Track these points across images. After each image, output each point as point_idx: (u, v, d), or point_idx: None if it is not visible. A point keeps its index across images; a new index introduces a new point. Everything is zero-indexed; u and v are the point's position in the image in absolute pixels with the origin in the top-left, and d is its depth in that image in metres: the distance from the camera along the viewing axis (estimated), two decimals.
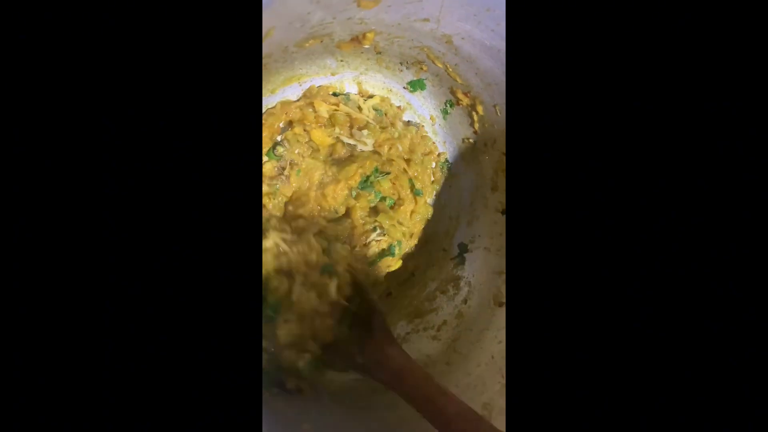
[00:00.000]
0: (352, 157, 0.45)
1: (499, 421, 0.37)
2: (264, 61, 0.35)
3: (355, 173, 0.45)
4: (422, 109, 0.50)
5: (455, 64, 0.42)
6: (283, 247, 0.39)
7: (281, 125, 0.43)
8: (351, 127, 0.45)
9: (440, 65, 0.43)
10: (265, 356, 0.39)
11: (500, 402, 0.39)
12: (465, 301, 0.50)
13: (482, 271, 0.50)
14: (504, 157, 0.47)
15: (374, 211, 0.49)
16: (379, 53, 0.43)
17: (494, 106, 0.44)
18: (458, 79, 0.44)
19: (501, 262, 0.49)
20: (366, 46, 0.40)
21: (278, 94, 0.44)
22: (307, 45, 0.37)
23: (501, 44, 0.36)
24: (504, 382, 0.41)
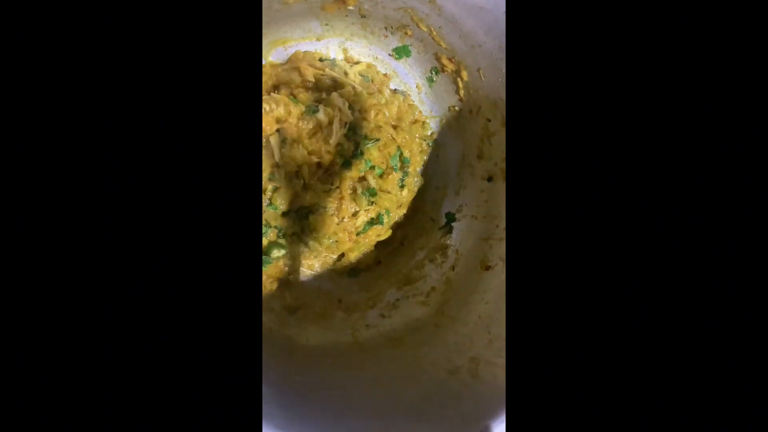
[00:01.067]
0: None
1: (486, 371, 0.38)
2: None
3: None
4: (408, 77, 0.51)
5: (439, 27, 0.43)
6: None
7: (268, 89, 0.43)
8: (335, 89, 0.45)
9: (424, 28, 0.44)
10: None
11: (486, 354, 0.40)
12: (452, 268, 0.51)
13: (469, 238, 0.51)
14: (489, 124, 0.48)
15: (362, 180, 0.50)
16: (364, 17, 0.44)
17: (478, 69, 0.45)
18: (442, 44, 0.45)
19: (487, 228, 0.50)
20: (350, 7, 0.41)
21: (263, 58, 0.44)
22: (291, 1, 0.37)
23: (483, 1, 0.37)
24: (490, 337, 0.42)
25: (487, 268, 0.48)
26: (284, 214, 0.45)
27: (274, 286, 0.46)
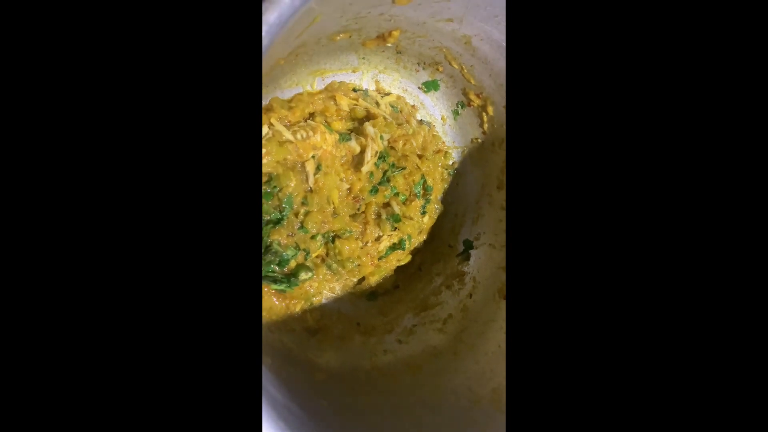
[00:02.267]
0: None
1: None
2: (297, 51, 0.37)
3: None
4: (434, 109, 0.53)
5: (471, 66, 0.45)
6: (287, 135, 0.38)
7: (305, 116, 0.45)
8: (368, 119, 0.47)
9: (456, 66, 0.46)
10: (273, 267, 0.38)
11: None
12: (470, 296, 0.52)
13: (486, 266, 0.52)
14: None
15: (386, 206, 0.51)
16: (399, 53, 0.46)
17: (504, 106, 0.47)
18: (472, 81, 0.47)
19: (505, 258, 0.51)
20: (389, 45, 0.43)
21: (299, 87, 0.45)
22: (337, 38, 0.39)
23: None
24: None
25: (506, 297, 0.49)
26: (313, 238, 0.46)
27: (297, 307, 0.47)
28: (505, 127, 0.48)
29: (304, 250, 0.45)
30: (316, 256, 0.47)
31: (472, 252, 0.54)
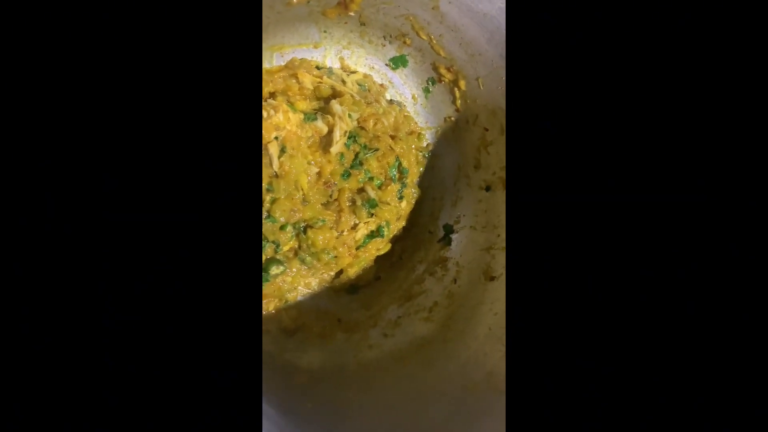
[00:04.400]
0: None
1: (503, 386, 0.36)
2: None
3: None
4: (404, 88, 0.50)
5: (440, 35, 0.43)
6: None
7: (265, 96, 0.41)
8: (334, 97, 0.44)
9: (424, 37, 0.44)
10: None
11: (503, 367, 0.38)
12: (454, 281, 0.50)
13: (469, 249, 0.50)
14: (486, 133, 0.48)
15: (361, 191, 0.48)
16: (363, 24, 0.43)
17: (477, 79, 0.45)
18: (441, 53, 0.45)
19: (488, 238, 0.49)
20: (351, 14, 0.40)
21: None
22: (294, 1, 0.35)
23: (487, 6, 0.37)
24: (504, 350, 0.40)
25: (492, 278, 0.47)
26: (282, 228, 0.42)
27: (271, 306, 0.43)
28: (478, 102, 0.46)
29: (274, 242, 0.41)
30: (288, 249, 0.43)
31: (453, 236, 0.52)
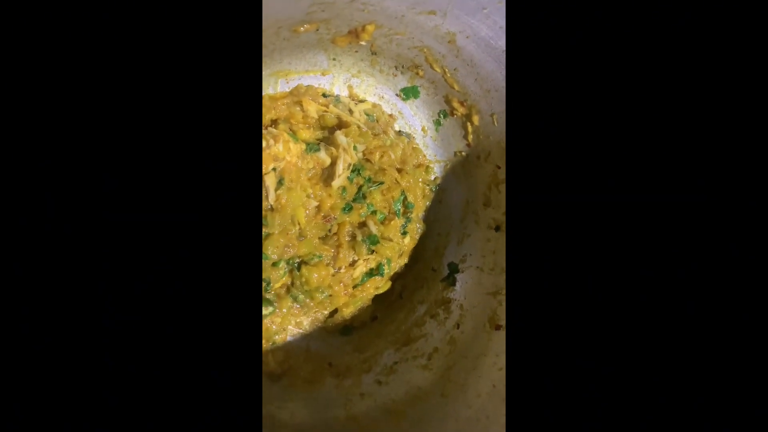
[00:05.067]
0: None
1: None
2: None
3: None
4: (413, 119, 0.48)
5: (454, 69, 0.40)
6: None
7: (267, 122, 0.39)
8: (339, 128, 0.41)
9: (438, 70, 0.41)
10: None
11: None
12: (457, 326, 0.46)
13: (474, 292, 0.47)
14: (498, 171, 0.45)
15: (362, 226, 0.45)
16: (375, 53, 0.41)
17: (491, 114, 0.42)
18: (455, 86, 0.42)
19: (495, 282, 0.46)
20: (362, 43, 0.38)
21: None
22: (301, 30, 0.33)
23: (506, 43, 0.35)
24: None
25: (498, 327, 0.44)
26: (274, 265, 0.39)
27: None
28: (491, 138, 0.44)
29: (264, 280, 0.38)
30: (280, 286, 0.40)
31: (458, 276, 0.48)
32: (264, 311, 0.38)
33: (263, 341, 0.39)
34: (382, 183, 0.44)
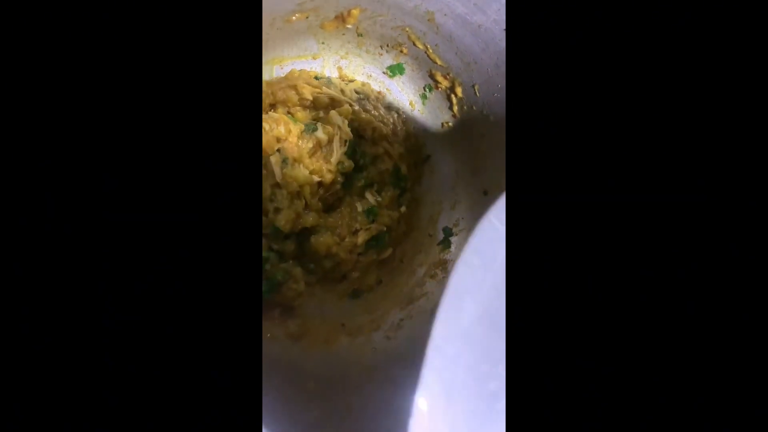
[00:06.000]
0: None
1: None
2: None
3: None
4: (401, 95, 0.51)
5: (435, 45, 0.43)
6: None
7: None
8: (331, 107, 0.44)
9: (420, 46, 0.44)
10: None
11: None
12: None
13: None
14: (483, 139, 0.49)
15: (361, 198, 0.49)
16: (360, 35, 0.44)
17: (473, 85, 0.45)
18: (438, 61, 0.45)
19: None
20: (349, 26, 0.41)
21: None
22: (293, 20, 0.36)
23: (482, 18, 0.38)
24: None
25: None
26: (285, 237, 0.43)
27: (277, 313, 0.44)
28: (475, 108, 0.47)
29: (277, 251, 0.42)
30: (291, 257, 0.44)
31: (453, 239, 0.52)
32: (281, 279, 0.42)
33: (281, 307, 0.44)
34: (376, 157, 0.47)
